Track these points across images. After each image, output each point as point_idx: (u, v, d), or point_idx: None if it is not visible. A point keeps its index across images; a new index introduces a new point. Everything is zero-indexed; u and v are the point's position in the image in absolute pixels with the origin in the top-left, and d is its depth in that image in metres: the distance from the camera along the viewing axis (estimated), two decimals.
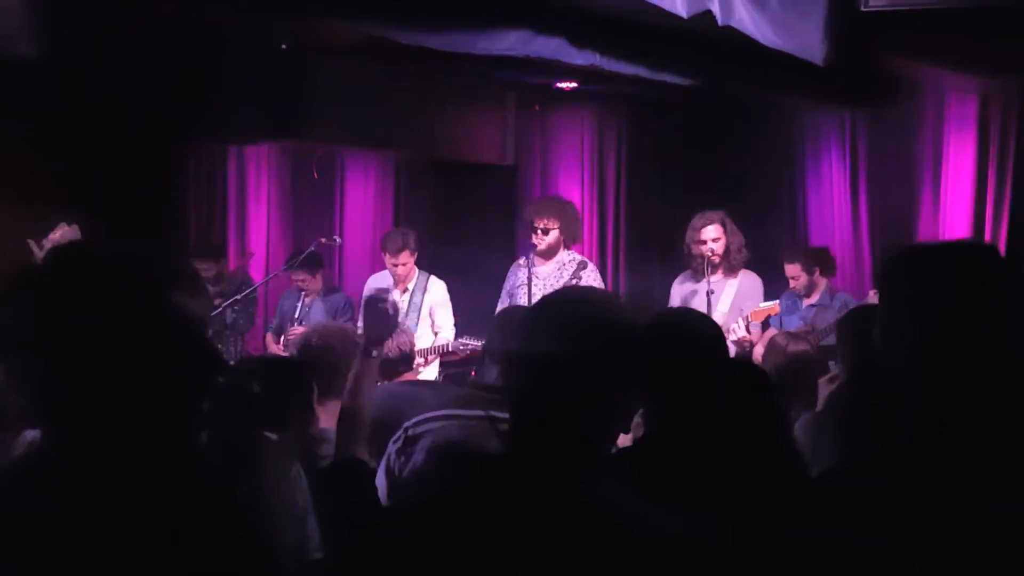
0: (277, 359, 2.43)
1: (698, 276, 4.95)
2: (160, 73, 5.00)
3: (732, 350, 3.88)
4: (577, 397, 1.27)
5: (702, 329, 2.07)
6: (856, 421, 2.19)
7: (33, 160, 5.33)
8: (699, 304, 4.82)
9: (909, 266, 1.29)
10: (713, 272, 4.91)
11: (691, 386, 1.79)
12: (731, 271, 4.89)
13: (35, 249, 2.36)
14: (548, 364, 1.27)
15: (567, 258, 5.14)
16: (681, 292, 5.07)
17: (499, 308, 4.97)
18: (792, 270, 5.42)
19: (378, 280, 5.41)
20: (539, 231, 4.99)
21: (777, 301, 5.06)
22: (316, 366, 2.35)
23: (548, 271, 5.06)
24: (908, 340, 1.23)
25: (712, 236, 4.88)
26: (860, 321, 2.35)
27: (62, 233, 2.36)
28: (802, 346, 3.34)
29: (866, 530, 1.17)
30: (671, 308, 4.57)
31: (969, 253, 1.30)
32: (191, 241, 6.32)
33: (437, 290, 5.35)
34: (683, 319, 2.32)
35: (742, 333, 4.74)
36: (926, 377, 1.22)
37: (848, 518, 1.19)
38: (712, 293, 4.82)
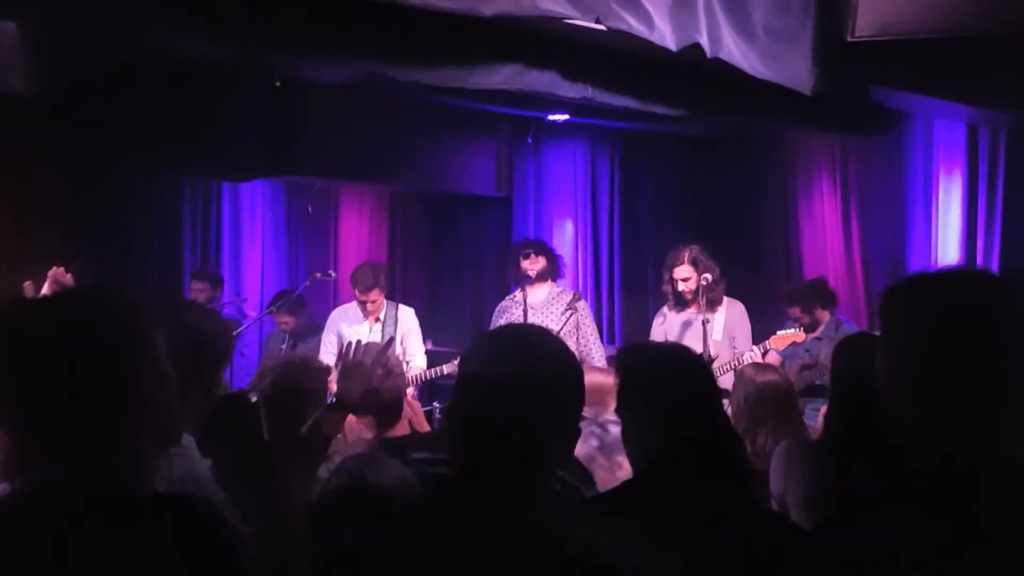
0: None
1: (673, 309, 4.98)
2: (155, 110, 5.03)
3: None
4: (524, 422, 1.28)
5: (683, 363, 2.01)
6: (842, 448, 2.18)
7: (29, 198, 5.36)
8: (674, 338, 4.81)
9: (909, 295, 1.29)
10: (687, 307, 4.93)
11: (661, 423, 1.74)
12: (710, 305, 4.85)
13: (31, 293, 2.36)
14: (498, 388, 1.29)
15: (557, 290, 5.20)
16: (660, 321, 5.08)
17: None
18: (794, 312, 5.45)
19: (345, 312, 5.40)
20: (531, 255, 5.12)
21: (800, 329, 5.05)
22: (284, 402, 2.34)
23: (541, 301, 5.09)
24: (911, 370, 1.23)
25: (682, 276, 4.88)
26: (849, 348, 2.34)
27: (56, 278, 2.36)
28: (770, 376, 3.31)
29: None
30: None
31: (968, 280, 1.30)
32: (186, 274, 6.33)
33: (407, 318, 5.36)
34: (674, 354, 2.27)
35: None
36: (930, 406, 1.21)
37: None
38: (687, 324, 4.85)
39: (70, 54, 4.37)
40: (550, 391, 1.31)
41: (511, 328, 1.90)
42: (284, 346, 5.77)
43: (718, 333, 4.86)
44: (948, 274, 1.41)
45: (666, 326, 5.00)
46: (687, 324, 4.90)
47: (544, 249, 5.25)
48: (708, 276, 4.77)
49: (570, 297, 5.14)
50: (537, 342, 1.38)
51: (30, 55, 4.14)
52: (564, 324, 4.88)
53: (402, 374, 3.01)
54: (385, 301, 5.35)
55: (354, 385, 2.09)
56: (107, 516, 1.16)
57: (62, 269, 2.38)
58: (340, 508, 1.81)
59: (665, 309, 5.08)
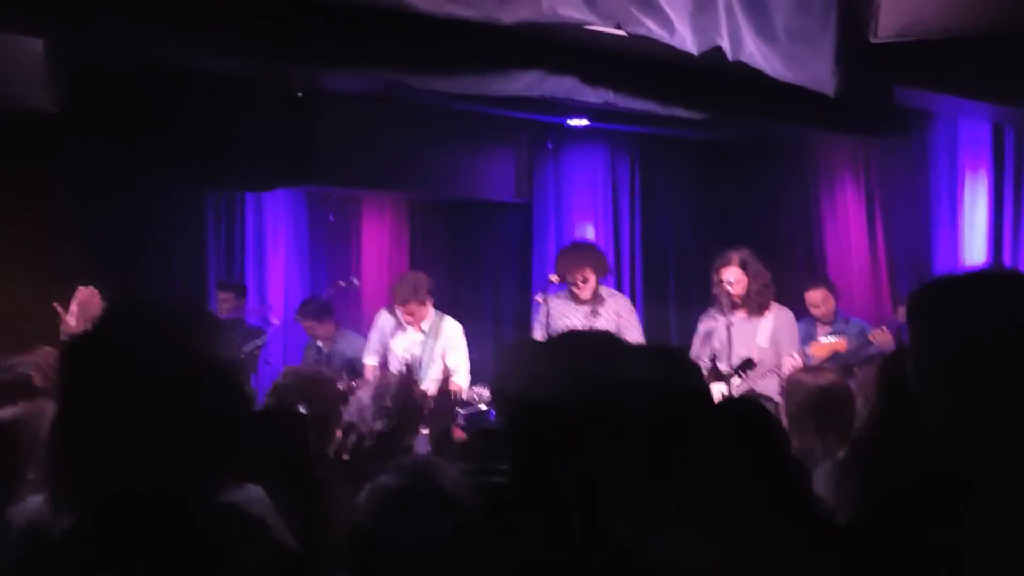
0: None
1: (721, 312, 4.88)
2: (177, 123, 5.08)
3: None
4: (593, 434, 1.25)
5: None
6: (884, 464, 2.15)
7: (52, 212, 5.41)
8: (720, 340, 4.77)
9: (936, 298, 1.26)
10: (735, 310, 4.83)
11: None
12: (758, 310, 4.78)
13: (61, 312, 2.38)
14: (566, 401, 1.27)
15: (605, 292, 5.13)
16: (704, 327, 5.01)
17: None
18: (817, 296, 5.36)
19: (393, 313, 5.38)
20: (579, 282, 4.96)
21: (844, 338, 4.96)
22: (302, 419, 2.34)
23: (589, 307, 5.02)
24: (940, 373, 1.20)
25: (730, 278, 4.81)
26: (894, 363, 2.29)
27: (83, 296, 2.38)
28: (829, 377, 3.23)
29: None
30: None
31: (997, 280, 1.28)
32: (211, 285, 6.38)
33: (451, 333, 5.27)
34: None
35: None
36: (960, 408, 1.19)
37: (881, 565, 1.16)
38: (731, 326, 4.77)
39: (91, 69, 4.42)
40: (622, 403, 1.28)
41: (581, 335, 1.83)
42: (319, 355, 5.81)
43: (763, 339, 4.78)
44: (976, 275, 1.38)
45: (712, 328, 4.90)
46: (714, 329, 4.83)
47: (589, 276, 4.95)
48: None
49: (619, 302, 5.09)
50: (603, 353, 1.35)
51: (54, 71, 4.19)
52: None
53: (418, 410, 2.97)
54: (432, 311, 5.29)
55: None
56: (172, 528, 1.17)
57: (90, 289, 2.40)
58: (403, 507, 1.81)
59: (712, 311, 5.00)
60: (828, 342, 4.83)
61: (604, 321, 4.93)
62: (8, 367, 2.67)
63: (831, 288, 5.47)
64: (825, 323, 5.36)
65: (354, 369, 5.54)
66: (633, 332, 4.92)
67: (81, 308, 2.30)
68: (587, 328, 4.57)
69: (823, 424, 3.02)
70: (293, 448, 1.77)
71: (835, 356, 4.91)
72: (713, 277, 4.88)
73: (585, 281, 4.95)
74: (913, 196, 6.11)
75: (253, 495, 1.65)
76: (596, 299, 5.04)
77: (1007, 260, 5.57)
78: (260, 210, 6.82)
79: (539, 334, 4.96)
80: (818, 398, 3.10)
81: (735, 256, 4.81)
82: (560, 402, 1.28)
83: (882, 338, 4.98)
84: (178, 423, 1.23)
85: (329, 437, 2.24)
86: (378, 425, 2.62)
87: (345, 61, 4.13)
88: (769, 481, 1.68)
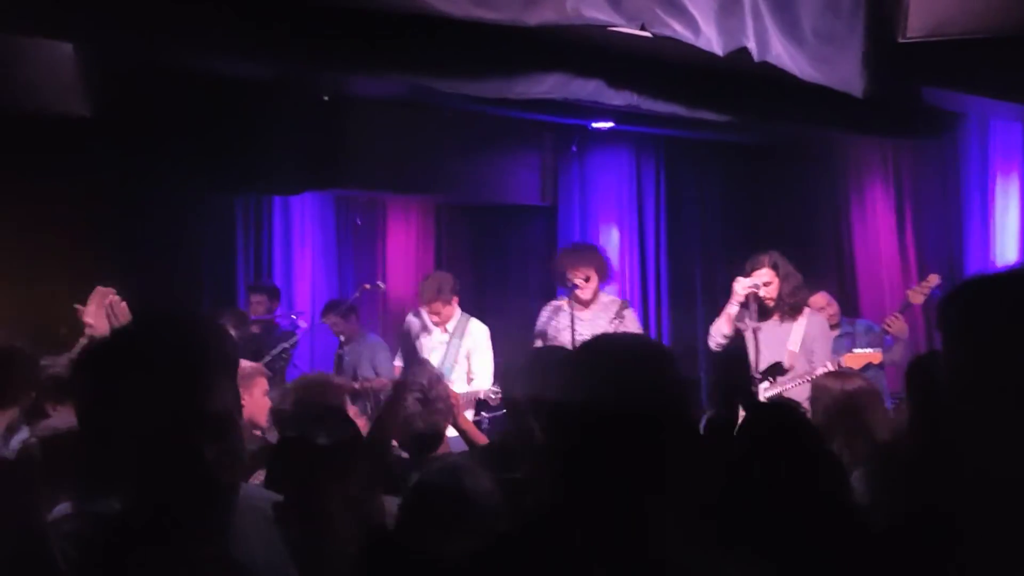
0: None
1: (752, 316, 4.82)
2: (206, 128, 5.14)
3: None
4: (628, 447, 1.24)
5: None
6: (918, 472, 2.12)
7: (83, 217, 5.50)
8: (747, 343, 4.72)
9: (967, 300, 1.23)
10: (768, 316, 4.78)
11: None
12: (789, 314, 4.73)
13: (80, 310, 2.42)
14: (601, 413, 1.25)
15: (606, 299, 5.12)
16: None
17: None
18: (821, 300, 5.31)
19: (420, 316, 5.41)
20: (580, 281, 4.96)
21: (880, 349, 4.90)
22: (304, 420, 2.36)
23: (590, 314, 5.04)
24: (973, 377, 1.17)
25: (763, 280, 4.75)
26: (928, 369, 2.27)
27: (101, 296, 2.42)
28: (857, 383, 3.20)
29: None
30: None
31: None
32: (240, 288, 6.46)
33: (476, 334, 5.28)
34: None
35: None
36: (993, 413, 1.15)
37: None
38: (759, 331, 4.72)
39: (122, 75, 4.49)
40: (656, 414, 1.26)
41: (614, 341, 1.81)
42: (343, 353, 5.88)
43: (795, 344, 4.71)
44: (1007, 275, 1.31)
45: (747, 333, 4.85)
46: (760, 331, 4.76)
47: (591, 275, 5.00)
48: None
49: (618, 306, 5.08)
50: (635, 363, 1.32)
51: (84, 75, 4.25)
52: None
53: (447, 408, 2.97)
54: (458, 312, 5.32)
55: (388, 422, 2.11)
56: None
57: (107, 289, 2.44)
58: (433, 508, 1.82)
59: (744, 315, 4.93)
60: (864, 352, 4.75)
61: (605, 328, 4.89)
62: (43, 368, 2.72)
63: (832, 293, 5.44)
64: (831, 326, 5.30)
65: (372, 371, 5.62)
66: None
67: (98, 306, 2.34)
68: (615, 332, 4.56)
69: (851, 430, 3.00)
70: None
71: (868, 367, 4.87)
72: (739, 282, 4.80)
73: (588, 280, 4.93)
74: (944, 198, 6.03)
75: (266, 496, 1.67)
76: (598, 304, 5.01)
77: None
78: (287, 214, 6.89)
79: (538, 341, 4.97)
80: (845, 403, 3.07)
81: (766, 259, 4.75)
82: (602, 410, 1.26)
83: (897, 326, 4.94)
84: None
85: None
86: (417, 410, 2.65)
87: (371, 65, 4.16)
88: (811, 486, 1.66)
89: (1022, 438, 1.14)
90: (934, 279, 5.05)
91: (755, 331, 4.71)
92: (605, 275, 5.12)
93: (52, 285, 4.59)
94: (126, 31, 3.56)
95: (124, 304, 2.40)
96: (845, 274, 6.47)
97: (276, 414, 2.73)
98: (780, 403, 3.60)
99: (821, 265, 6.58)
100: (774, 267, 4.71)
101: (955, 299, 1.25)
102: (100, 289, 2.40)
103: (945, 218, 6.01)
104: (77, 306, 2.40)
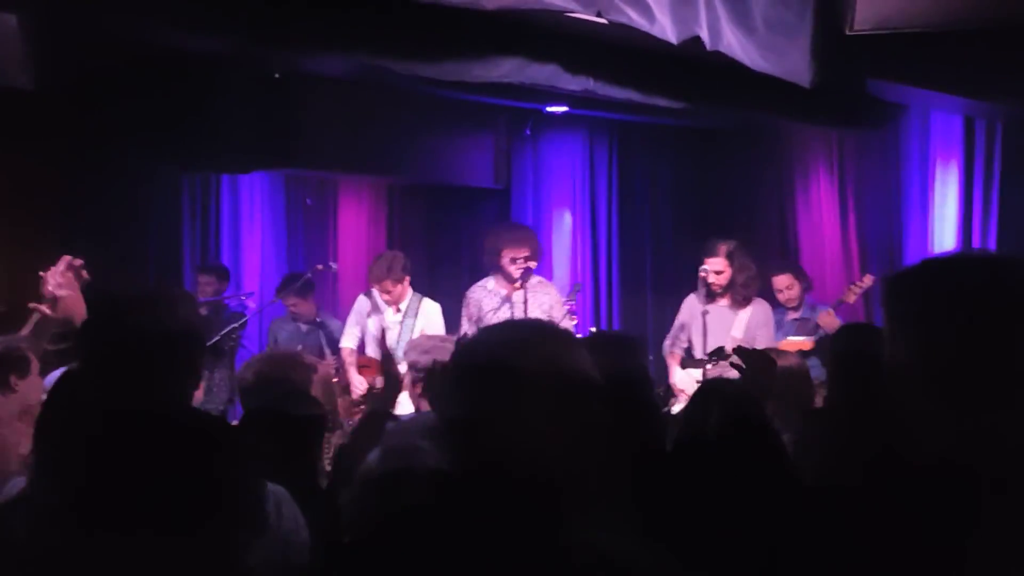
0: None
1: (704, 299, 4.95)
2: (154, 103, 5.03)
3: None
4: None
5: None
6: (845, 441, 2.21)
7: (27, 192, 5.36)
8: (696, 325, 4.85)
9: (910, 281, 1.26)
10: (715, 300, 4.91)
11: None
12: (739, 303, 4.85)
13: (43, 277, 2.40)
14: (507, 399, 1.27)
15: (535, 280, 5.15)
16: (688, 307, 5.12)
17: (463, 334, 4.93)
18: (784, 280, 5.47)
19: (372, 297, 5.41)
20: (520, 260, 4.98)
21: (811, 339, 5.07)
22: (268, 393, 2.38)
23: (520, 294, 5.03)
24: (914, 356, 1.20)
25: (715, 268, 4.87)
26: (849, 340, 2.39)
27: (66, 265, 2.40)
28: (791, 360, 3.38)
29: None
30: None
31: (970, 263, 1.26)
32: (186, 267, 6.35)
33: (430, 312, 5.30)
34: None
35: None
36: (934, 393, 1.18)
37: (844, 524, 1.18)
38: (707, 314, 4.84)
39: (69, 47, 4.37)
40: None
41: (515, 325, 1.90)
42: (295, 332, 5.81)
43: (739, 330, 4.85)
44: (950, 259, 1.35)
45: (693, 314, 4.95)
46: (709, 315, 4.87)
47: (531, 255, 5.02)
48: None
49: (543, 286, 5.12)
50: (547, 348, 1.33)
51: (29, 48, 4.14)
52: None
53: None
54: (410, 291, 5.33)
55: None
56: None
57: (70, 258, 2.42)
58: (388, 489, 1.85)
59: (693, 296, 5.05)
60: (797, 340, 4.95)
61: (534, 312, 4.93)
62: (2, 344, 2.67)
63: (798, 274, 5.60)
64: (791, 308, 5.47)
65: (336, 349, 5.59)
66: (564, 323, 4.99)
67: (64, 276, 2.33)
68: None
69: (782, 400, 3.17)
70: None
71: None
72: (701, 264, 4.94)
73: (526, 260, 4.96)
74: (885, 187, 6.20)
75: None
76: (527, 286, 5.02)
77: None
78: (236, 192, 6.77)
79: (468, 328, 5.00)
80: (779, 380, 3.24)
81: (722, 247, 4.88)
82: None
83: (828, 320, 5.13)
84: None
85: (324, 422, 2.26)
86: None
87: (325, 44, 4.12)
88: (754, 448, 1.81)
89: (962, 411, 1.17)
90: (868, 280, 5.29)
91: (703, 314, 4.84)
92: (539, 257, 5.15)
93: None
94: (73, 1, 3.48)
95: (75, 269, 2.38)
96: (789, 258, 6.62)
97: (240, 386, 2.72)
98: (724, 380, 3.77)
99: (767, 250, 6.72)
100: (729, 257, 4.84)
101: (898, 279, 1.28)
102: (67, 258, 2.38)
103: (887, 206, 6.19)
104: (42, 273, 2.38)
